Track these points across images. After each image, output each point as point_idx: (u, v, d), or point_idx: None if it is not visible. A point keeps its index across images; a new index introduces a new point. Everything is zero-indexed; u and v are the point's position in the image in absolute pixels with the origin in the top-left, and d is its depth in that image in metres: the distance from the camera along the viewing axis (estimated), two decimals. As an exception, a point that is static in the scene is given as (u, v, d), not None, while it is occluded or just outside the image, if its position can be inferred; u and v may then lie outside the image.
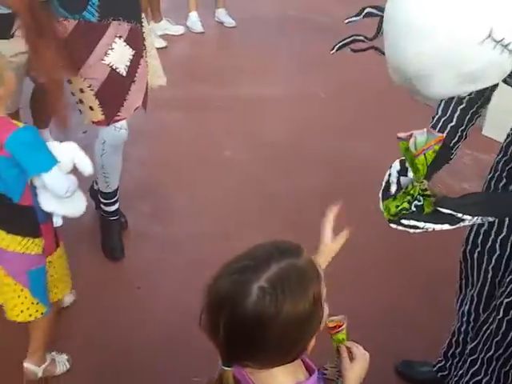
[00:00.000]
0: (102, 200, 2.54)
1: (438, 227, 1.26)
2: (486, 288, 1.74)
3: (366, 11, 1.42)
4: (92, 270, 2.45)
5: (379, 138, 3.08)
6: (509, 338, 1.62)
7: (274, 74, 4.13)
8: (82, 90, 2.25)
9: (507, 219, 1.66)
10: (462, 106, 1.49)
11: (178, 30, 4.64)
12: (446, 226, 1.26)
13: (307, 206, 2.86)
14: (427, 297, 2.40)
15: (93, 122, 2.32)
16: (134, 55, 2.24)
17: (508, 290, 1.59)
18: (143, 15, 2.37)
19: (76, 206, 1.84)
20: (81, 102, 2.29)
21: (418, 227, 1.27)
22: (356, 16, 1.46)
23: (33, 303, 1.87)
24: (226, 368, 0.99)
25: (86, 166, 1.83)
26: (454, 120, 1.49)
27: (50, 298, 1.93)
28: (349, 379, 1.12)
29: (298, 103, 3.77)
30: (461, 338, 1.90)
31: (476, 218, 1.25)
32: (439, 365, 2.01)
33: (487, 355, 1.68)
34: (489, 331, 1.67)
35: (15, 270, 1.83)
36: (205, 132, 3.45)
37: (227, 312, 0.95)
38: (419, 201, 1.27)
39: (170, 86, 3.90)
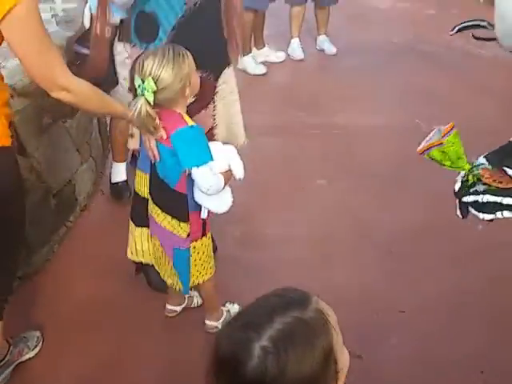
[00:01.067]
0: None
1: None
2: None
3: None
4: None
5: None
6: None
7: (374, 103, 4.04)
8: None
9: None
10: None
11: (279, 56, 4.68)
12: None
13: (401, 240, 2.76)
14: None
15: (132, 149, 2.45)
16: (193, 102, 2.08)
17: None
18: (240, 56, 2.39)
19: (221, 203, 2.00)
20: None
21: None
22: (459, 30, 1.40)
23: (175, 275, 2.11)
24: None
25: (239, 170, 1.98)
26: None
27: (191, 280, 2.11)
28: None
29: (398, 134, 3.65)
30: None
31: None
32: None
33: None
34: None
35: (165, 243, 2.08)
36: (300, 159, 3.43)
37: (229, 375, 0.89)
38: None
39: (268, 112, 3.96)
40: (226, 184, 1.96)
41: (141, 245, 2.21)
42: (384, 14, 5.47)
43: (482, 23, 1.39)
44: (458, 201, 1.29)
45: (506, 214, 1.20)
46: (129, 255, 2.28)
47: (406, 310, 2.40)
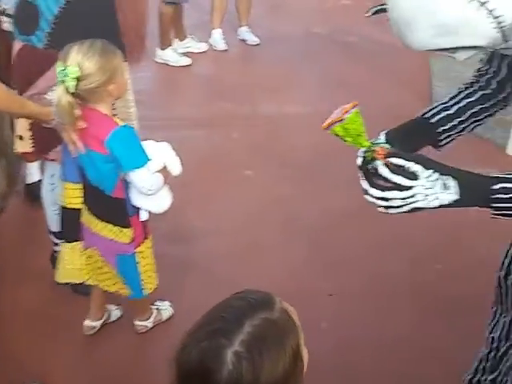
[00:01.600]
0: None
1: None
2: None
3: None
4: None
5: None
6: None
7: (297, 93, 4.10)
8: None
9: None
10: (470, 99, 1.49)
11: (201, 47, 4.65)
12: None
13: (326, 227, 2.83)
14: (444, 323, 2.34)
15: (20, 152, 2.22)
16: None
17: None
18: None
19: (161, 202, 1.97)
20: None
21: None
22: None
23: (120, 282, 2.07)
24: None
25: (176, 167, 1.95)
26: (453, 110, 1.50)
27: (148, 287, 2.09)
28: None
29: (321, 123, 3.72)
30: (488, 365, 1.84)
31: (429, 175, 1.21)
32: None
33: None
34: (508, 364, 1.61)
35: (106, 251, 2.02)
36: (226, 151, 3.43)
37: None
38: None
39: (193, 104, 3.94)
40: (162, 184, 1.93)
41: (72, 264, 2.10)
42: (303, 4, 5.55)
43: None
44: (362, 174, 1.34)
45: (395, 193, 1.25)
46: (59, 279, 2.19)
47: (335, 294, 2.47)
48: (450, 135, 1.53)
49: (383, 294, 2.48)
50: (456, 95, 1.54)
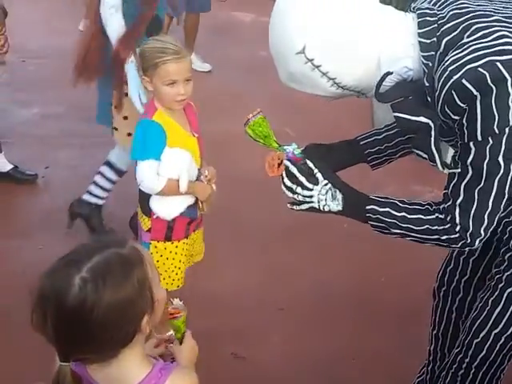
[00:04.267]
0: None
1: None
2: (451, 328, 1.79)
3: None
4: None
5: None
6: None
7: (243, 113, 4.18)
8: None
9: (471, 263, 1.74)
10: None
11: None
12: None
13: (274, 239, 2.92)
14: (391, 332, 2.44)
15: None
16: None
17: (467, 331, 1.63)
18: None
19: (164, 209, 2.03)
20: None
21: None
22: None
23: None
24: (63, 364, 1.02)
25: (183, 184, 1.97)
26: (382, 135, 1.66)
27: None
28: (181, 358, 1.21)
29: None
30: (428, 378, 1.94)
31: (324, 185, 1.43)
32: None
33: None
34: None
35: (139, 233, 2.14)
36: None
37: (52, 307, 1.00)
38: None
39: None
40: (170, 192, 1.98)
41: None
42: (249, 28, 5.69)
43: None
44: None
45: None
46: None
47: (285, 307, 2.55)
48: (377, 157, 1.67)
49: (328, 304, 2.57)
50: (391, 124, 1.67)
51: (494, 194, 1.32)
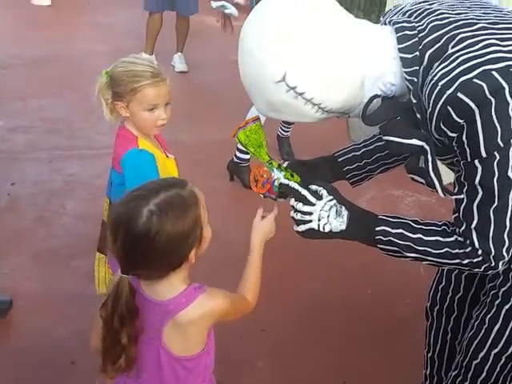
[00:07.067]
0: None
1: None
2: (447, 350, 1.71)
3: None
4: None
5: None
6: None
7: (221, 120, 4.10)
8: None
9: (463, 279, 1.65)
10: (379, 144, 1.58)
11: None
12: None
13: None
14: (379, 350, 2.36)
15: None
16: None
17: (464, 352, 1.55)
18: None
19: None
20: None
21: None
22: None
23: None
24: (124, 275, 1.23)
25: None
26: (361, 152, 1.60)
27: None
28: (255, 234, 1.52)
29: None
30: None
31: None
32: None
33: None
34: None
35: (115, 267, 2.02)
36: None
37: (123, 230, 1.20)
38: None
39: (111, 131, 3.83)
40: None
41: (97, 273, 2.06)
42: (220, 31, 5.62)
43: None
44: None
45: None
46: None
47: (267, 328, 2.44)
48: (356, 174, 1.61)
49: (313, 322, 2.47)
50: (369, 139, 1.61)
51: (510, 211, 1.23)
